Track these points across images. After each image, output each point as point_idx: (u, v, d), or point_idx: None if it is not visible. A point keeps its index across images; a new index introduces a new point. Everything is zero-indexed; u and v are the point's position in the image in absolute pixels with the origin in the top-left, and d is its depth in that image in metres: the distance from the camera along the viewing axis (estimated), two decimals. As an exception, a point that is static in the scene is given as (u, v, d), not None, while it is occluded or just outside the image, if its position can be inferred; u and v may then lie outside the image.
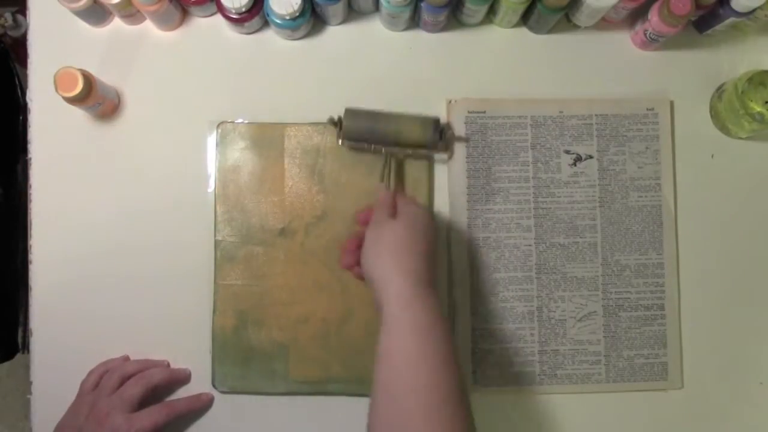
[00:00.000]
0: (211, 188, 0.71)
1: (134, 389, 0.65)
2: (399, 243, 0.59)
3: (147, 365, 0.68)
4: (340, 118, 0.67)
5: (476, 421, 0.70)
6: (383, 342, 0.55)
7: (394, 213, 0.63)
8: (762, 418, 0.71)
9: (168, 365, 0.69)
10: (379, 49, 0.73)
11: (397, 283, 0.56)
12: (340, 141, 0.68)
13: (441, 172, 0.72)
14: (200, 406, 0.69)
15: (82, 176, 0.71)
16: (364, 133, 0.68)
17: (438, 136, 0.67)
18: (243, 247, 0.70)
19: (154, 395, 0.67)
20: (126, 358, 0.69)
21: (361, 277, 0.62)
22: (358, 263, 0.62)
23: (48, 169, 0.71)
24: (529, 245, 0.71)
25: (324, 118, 0.71)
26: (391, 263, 0.58)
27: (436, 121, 0.68)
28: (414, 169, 0.70)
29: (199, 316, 0.69)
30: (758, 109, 0.68)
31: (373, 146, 0.68)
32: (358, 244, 0.62)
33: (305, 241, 0.70)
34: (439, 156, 0.71)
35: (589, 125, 0.72)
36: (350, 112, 0.68)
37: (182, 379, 0.69)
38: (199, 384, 0.69)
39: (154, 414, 0.64)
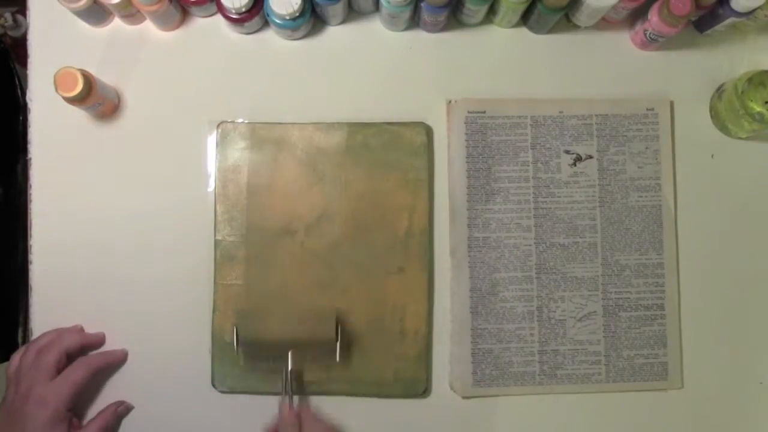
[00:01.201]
0: (211, 188, 0.71)
1: (46, 357, 0.65)
2: None
3: (59, 332, 0.68)
4: (236, 332, 0.66)
5: (476, 421, 0.70)
6: None
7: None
8: (762, 418, 0.71)
9: (81, 329, 0.69)
10: (379, 49, 0.73)
11: None
12: (241, 361, 0.67)
13: (441, 172, 0.72)
14: (116, 359, 0.69)
15: (82, 176, 0.71)
16: (261, 348, 0.66)
17: (335, 332, 0.66)
18: (243, 247, 0.70)
19: (69, 360, 0.67)
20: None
21: None
22: None
23: (48, 169, 0.71)
24: (529, 245, 0.71)
25: (324, 118, 0.71)
26: None
27: (334, 318, 0.66)
28: (414, 169, 0.71)
29: (199, 316, 0.69)
30: (758, 109, 0.68)
31: (272, 360, 0.67)
32: None
33: (305, 241, 0.70)
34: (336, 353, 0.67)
35: (589, 125, 0.72)
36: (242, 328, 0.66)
37: (96, 342, 0.69)
38: (199, 384, 0.69)
39: (71, 374, 0.65)
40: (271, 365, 0.67)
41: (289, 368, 0.66)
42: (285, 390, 0.66)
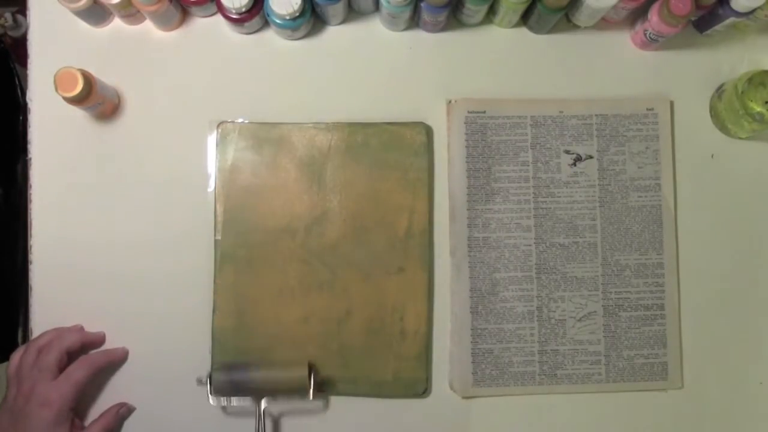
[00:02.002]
0: (211, 188, 0.71)
1: (48, 356, 0.65)
2: None
3: (59, 331, 0.68)
4: (209, 376, 0.66)
5: (476, 421, 0.70)
6: None
7: None
8: (762, 418, 0.71)
9: (81, 329, 0.69)
10: (379, 49, 0.73)
11: None
12: (210, 399, 0.66)
13: (441, 172, 0.72)
14: (117, 358, 0.69)
15: (82, 176, 0.71)
16: (235, 387, 0.66)
17: (310, 381, 0.66)
18: (243, 247, 0.70)
19: (70, 358, 0.67)
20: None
21: None
22: None
23: (48, 169, 0.71)
24: (529, 245, 0.71)
25: (324, 118, 0.71)
26: None
27: (308, 367, 0.66)
28: (414, 169, 0.71)
29: (199, 316, 0.69)
30: (758, 109, 0.68)
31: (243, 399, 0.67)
32: None
33: (305, 240, 0.70)
34: (312, 403, 0.69)
35: (589, 125, 0.72)
36: (217, 370, 0.67)
37: (96, 341, 0.69)
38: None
39: (73, 374, 0.65)
40: (245, 405, 0.67)
41: (262, 409, 0.66)
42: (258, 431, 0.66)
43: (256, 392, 0.67)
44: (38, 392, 0.63)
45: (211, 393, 0.66)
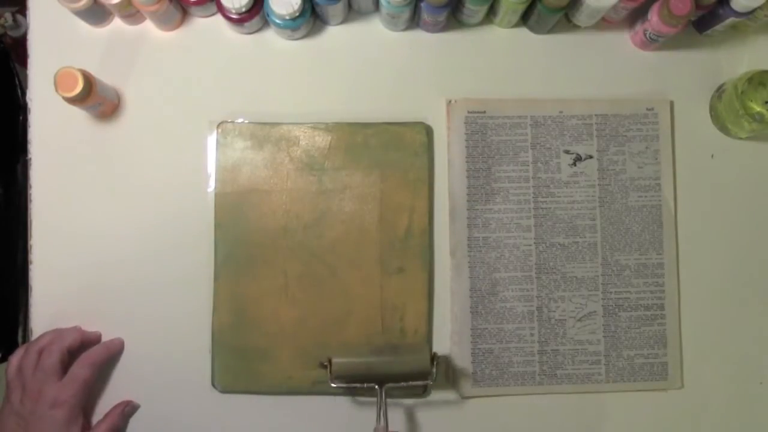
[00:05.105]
0: (211, 188, 0.71)
1: (51, 357, 0.65)
2: None
3: (58, 332, 0.68)
4: (330, 360, 0.65)
5: (476, 421, 0.70)
6: None
7: None
8: (762, 418, 0.71)
9: (79, 329, 0.69)
10: (379, 49, 0.73)
11: None
12: (331, 383, 0.65)
13: (441, 172, 0.72)
14: (115, 350, 0.69)
15: (82, 176, 0.71)
16: (356, 372, 0.65)
17: (432, 367, 0.65)
18: (243, 247, 0.70)
19: (72, 357, 0.67)
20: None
21: None
22: None
23: (48, 169, 0.71)
24: (529, 245, 0.71)
25: (324, 118, 0.71)
26: None
27: (430, 353, 0.65)
28: (414, 169, 0.71)
29: (198, 316, 0.69)
30: (758, 109, 0.68)
31: (365, 385, 0.65)
32: None
33: (305, 241, 0.70)
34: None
35: (589, 125, 0.72)
36: (339, 355, 0.66)
37: (94, 339, 0.69)
38: (199, 384, 0.69)
39: (80, 373, 0.65)
40: (362, 387, 0.66)
41: (383, 398, 0.64)
42: (379, 415, 0.64)
43: (376, 378, 0.65)
44: (47, 394, 0.63)
45: (331, 378, 0.65)
